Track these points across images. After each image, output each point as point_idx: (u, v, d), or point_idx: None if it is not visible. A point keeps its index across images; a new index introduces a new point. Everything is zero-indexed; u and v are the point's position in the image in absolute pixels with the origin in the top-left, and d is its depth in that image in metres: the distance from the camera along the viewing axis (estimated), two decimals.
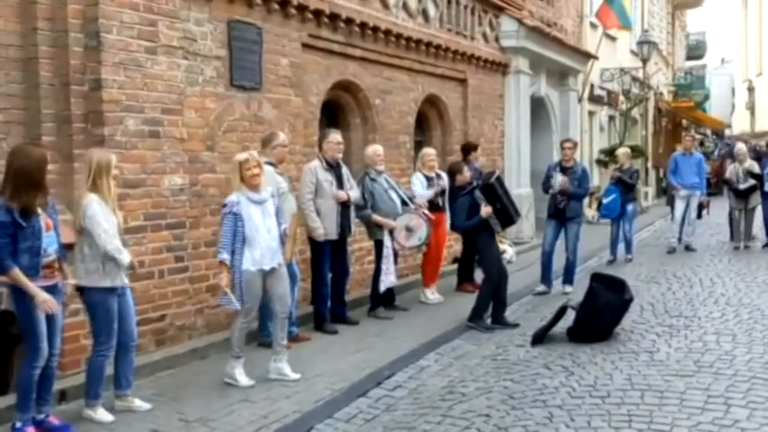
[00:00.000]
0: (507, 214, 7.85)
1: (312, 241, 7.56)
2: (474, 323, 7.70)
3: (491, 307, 7.87)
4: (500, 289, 7.85)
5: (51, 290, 4.80)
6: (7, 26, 5.64)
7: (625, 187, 11.92)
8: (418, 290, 9.33)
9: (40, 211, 4.72)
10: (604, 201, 11.88)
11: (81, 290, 5.11)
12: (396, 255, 8.37)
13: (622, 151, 12.90)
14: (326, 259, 7.60)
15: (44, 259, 4.74)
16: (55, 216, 4.92)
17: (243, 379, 5.96)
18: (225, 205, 5.86)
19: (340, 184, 7.65)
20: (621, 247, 12.09)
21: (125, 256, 5.12)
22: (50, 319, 4.80)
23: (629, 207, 12.07)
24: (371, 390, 5.86)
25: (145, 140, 6.29)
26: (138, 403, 5.45)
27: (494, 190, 7.78)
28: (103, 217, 5.00)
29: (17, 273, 4.59)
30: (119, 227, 5.20)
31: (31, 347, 4.76)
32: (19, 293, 4.67)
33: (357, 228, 8.32)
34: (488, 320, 7.83)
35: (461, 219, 7.93)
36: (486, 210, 7.68)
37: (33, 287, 4.62)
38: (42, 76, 5.77)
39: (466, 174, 8.97)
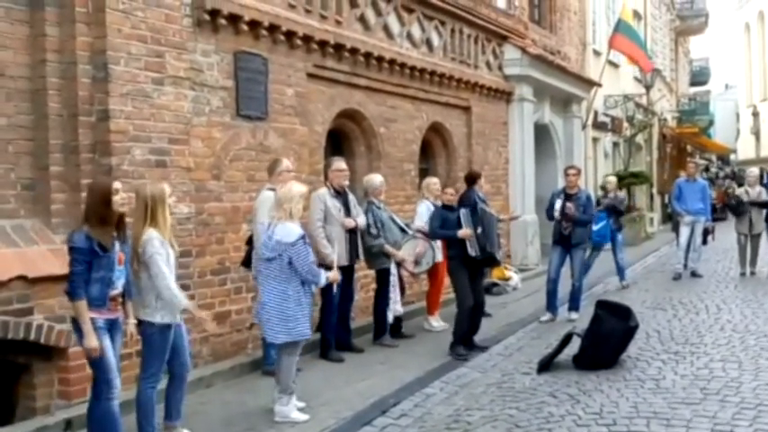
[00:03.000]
0: (483, 241, 7.71)
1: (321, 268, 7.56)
2: (450, 350, 7.70)
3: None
4: (474, 315, 7.81)
5: (113, 323, 4.78)
6: (17, 58, 5.71)
7: (616, 215, 11.95)
8: (422, 317, 9.34)
9: (117, 243, 4.73)
10: (594, 228, 11.86)
11: (139, 322, 5.05)
12: (402, 284, 8.44)
13: (611, 179, 12.99)
14: (337, 286, 7.61)
15: (111, 292, 4.72)
16: (128, 251, 4.91)
17: (299, 416, 5.85)
18: (303, 236, 5.73)
19: (347, 211, 7.72)
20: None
21: (181, 300, 5.02)
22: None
23: (619, 235, 12.11)
24: (377, 418, 5.83)
25: (152, 170, 6.33)
26: None
27: (477, 215, 7.79)
28: (163, 254, 4.94)
29: (83, 306, 4.55)
30: (175, 259, 5.15)
31: (101, 380, 4.69)
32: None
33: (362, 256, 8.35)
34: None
35: (436, 226, 7.93)
36: (464, 232, 7.66)
37: (89, 327, 4.55)
38: (51, 107, 5.83)
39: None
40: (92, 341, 4.56)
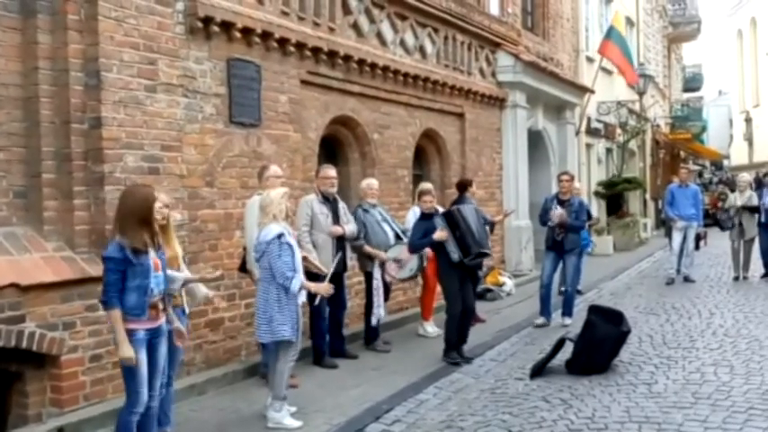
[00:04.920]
0: (464, 242, 7.64)
1: (308, 274, 7.54)
2: (444, 356, 7.71)
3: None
4: (461, 323, 7.76)
5: (156, 332, 4.75)
6: (8, 66, 5.71)
7: None
8: (416, 323, 9.35)
9: (150, 250, 4.70)
10: None
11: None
12: (387, 288, 8.43)
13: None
14: (320, 297, 7.57)
15: (150, 299, 4.70)
16: (163, 257, 4.89)
17: (292, 422, 5.83)
18: (281, 235, 5.70)
19: (336, 219, 7.70)
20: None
21: None
22: (151, 361, 4.72)
23: None
24: (370, 424, 5.84)
25: (144, 177, 6.32)
26: None
27: (453, 218, 7.74)
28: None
29: (117, 315, 4.53)
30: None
31: (130, 392, 4.66)
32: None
33: (353, 261, 8.36)
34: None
35: (415, 238, 7.93)
36: (439, 234, 7.63)
37: (123, 337, 4.52)
38: (43, 115, 5.83)
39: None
40: (125, 351, 4.53)
